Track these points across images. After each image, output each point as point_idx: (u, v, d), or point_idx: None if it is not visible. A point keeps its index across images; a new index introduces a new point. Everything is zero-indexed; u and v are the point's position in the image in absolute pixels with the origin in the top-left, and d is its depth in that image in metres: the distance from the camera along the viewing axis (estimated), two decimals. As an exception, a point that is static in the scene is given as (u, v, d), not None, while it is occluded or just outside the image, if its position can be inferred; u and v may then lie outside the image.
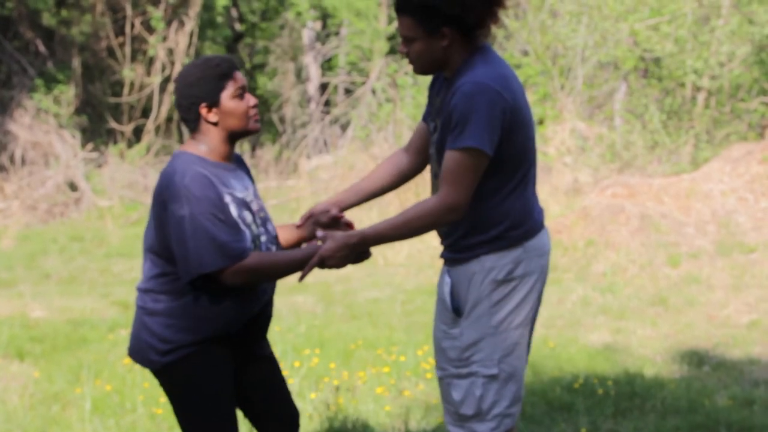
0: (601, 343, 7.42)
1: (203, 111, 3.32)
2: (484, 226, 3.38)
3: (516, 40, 16.60)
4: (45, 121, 16.34)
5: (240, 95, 3.34)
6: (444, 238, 3.52)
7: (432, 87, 3.57)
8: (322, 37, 21.25)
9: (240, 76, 3.36)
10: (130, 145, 17.69)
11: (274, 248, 3.46)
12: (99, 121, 18.21)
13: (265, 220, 3.45)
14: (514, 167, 3.37)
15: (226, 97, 3.31)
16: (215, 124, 3.33)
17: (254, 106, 3.38)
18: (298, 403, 5.61)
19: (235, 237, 3.25)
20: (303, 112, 20.41)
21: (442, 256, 3.53)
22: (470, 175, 3.25)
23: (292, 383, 5.97)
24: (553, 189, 13.21)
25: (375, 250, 10.50)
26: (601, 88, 16.01)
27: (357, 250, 3.34)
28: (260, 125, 3.41)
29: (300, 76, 22.58)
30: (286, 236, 3.63)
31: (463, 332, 3.43)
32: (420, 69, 3.40)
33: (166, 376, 3.39)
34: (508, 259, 3.39)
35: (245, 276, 3.26)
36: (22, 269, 11.05)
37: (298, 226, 3.65)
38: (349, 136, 16.88)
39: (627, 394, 5.90)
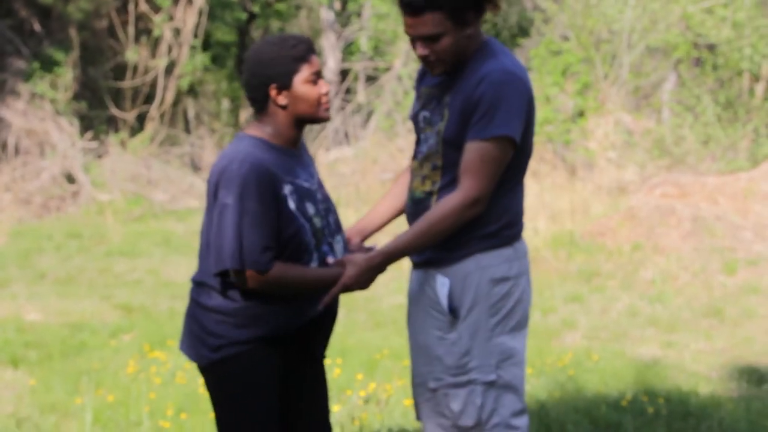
0: (650, 357, 7.39)
1: (273, 93, 3.39)
2: (483, 222, 3.46)
3: (555, 24, 16.55)
4: (40, 107, 16.40)
5: (314, 81, 3.40)
6: None
7: (421, 79, 3.67)
8: (343, 19, 21.26)
9: (316, 61, 3.42)
10: (132, 133, 17.73)
11: (338, 241, 3.53)
12: (99, 107, 18.25)
13: (328, 211, 3.52)
14: (522, 162, 3.52)
15: (299, 80, 3.38)
16: (284, 107, 3.41)
17: (326, 93, 3.44)
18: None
19: (270, 244, 3.31)
20: (321, 100, 20.42)
21: (427, 258, 3.55)
22: (495, 165, 3.37)
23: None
24: (595, 187, 13.18)
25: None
26: (649, 78, 15.96)
27: (381, 270, 3.43)
28: (330, 114, 3.52)
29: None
30: None
31: (461, 336, 3.50)
32: (443, 68, 3.48)
33: (214, 373, 3.47)
34: (502, 258, 3.51)
35: (263, 285, 3.35)
36: (15, 268, 11.08)
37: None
38: (372, 127, 16.88)
39: (680, 413, 5.87)
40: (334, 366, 6.62)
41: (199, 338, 3.46)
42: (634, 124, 15.11)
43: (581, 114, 15.11)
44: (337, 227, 3.56)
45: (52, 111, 16.39)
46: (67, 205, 15.06)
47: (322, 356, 3.68)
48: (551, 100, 14.85)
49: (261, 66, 3.38)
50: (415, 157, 3.63)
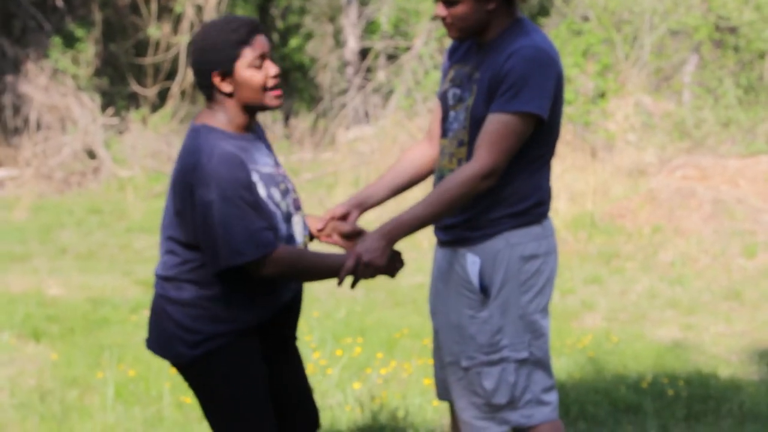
0: (670, 339, 7.36)
1: (216, 80, 3.26)
2: (514, 200, 3.47)
3: (576, 4, 16.44)
4: (62, 82, 16.40)
5: (258, 65, 3.25)
6: (458, 214, 3.52)
7: (450, 56, 3.65)
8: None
9: (261, 42, 3.27)
10: (153, 110, 17.71)
11: (297, 222, 3.41)
12: (120, 83, 18.26)
13: (286, 193, 3.40)
14: (551, 140, 3.52)
15: (242, 66, 3.24)
16: (230, 94, 3.28)
17: (275, 77, 3.30)
18: (338, 394, 5.61)
19: (266, 224, 3.21)
20: (341, 78, 20.36)
21: (455, 236, 3.53)
22: (513, 139, 3.34)
23: (331, 373, 5.96)
24: (614, 169, 13.09)
25: (420, 232, 10.44)
26: (670, 59, 15.85)
27: (394, 239, 3.32)
28: (280, 101, 3.33)
29: (338, 39, 22.53)
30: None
31: (492, 314, 3.50)
32: (458, 33, 3.48)
33: (196, 370, 3.36)
34: (531, 236, 3.51)
35: (278, 269, 3.23)
36: (37, 243, 11.11)
37: (319, 230, 3.63)
38: (392, 106, 16.82)
39: (700, 396, 5.85)
40: (354, 345, 6.62)
41: (174, 336, 3.32)
42: (655, 106, 15.02)
43: (602, 95, 15.01)
44: (296, 207, 3.44)
45: (74, 87, 16.39)
46: (88, 180, 15.09)
47: (294, 337, 3.59)
48: (571, 80, 14.75)
49: (203, 52, 3.25)
50: (444, 135, 3.60)
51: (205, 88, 3.30)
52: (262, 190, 3.26)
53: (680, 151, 13.72)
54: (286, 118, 18.99)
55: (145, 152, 15.52)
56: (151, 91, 17.80)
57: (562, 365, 6.43)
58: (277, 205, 3.30)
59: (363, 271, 3.30)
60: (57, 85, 16.28)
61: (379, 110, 17.14)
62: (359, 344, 6.65)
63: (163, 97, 18.11)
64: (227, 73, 3.24)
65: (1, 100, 16.55)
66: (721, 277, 9.11)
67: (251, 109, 3.31)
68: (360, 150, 15.12)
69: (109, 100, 17.32)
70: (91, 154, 15.47)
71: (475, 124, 3.45)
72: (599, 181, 11.99)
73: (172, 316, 3.33)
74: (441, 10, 3.45)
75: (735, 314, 8.05)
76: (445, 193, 3.34)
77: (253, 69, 3.25)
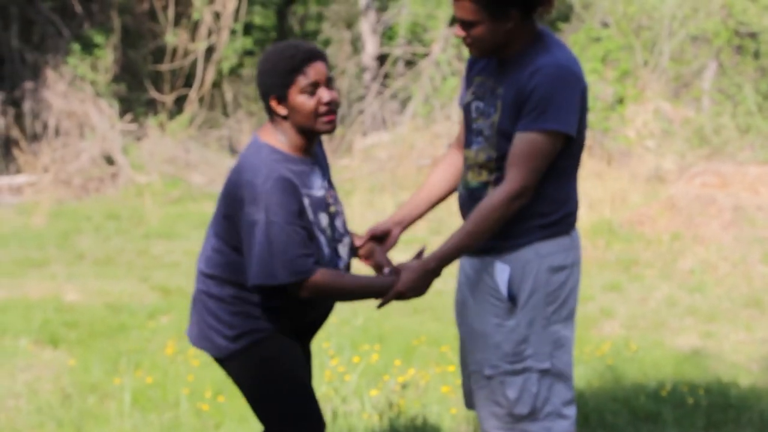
0: (689, 347, 7.32)
1: (273, 103, 3.44)
2: (544, 210, 3.50)
3: (595, 10, 16.41)
4: (81, 88, 16.46)
5: (311, 91, 3.40)
6: None
7: (471, 68, 3.67)
8: (381, 3, 21.18)
9: (316, 69, 3.41)
10: (171, 116, 17.75)
11: (344, 244, 3.56)
12: (138, 89, 18.30)
13: (336, 215, 3.54)
14: (578, 150, 3.55)
15: (294, 92, 3.40)
16: (285, 117, 3.44)
17: (327, 103, 3.43)
18: (356, 401, 5.59)
19: (306, 251, 3.34)
20: (359, 85, 20.37)
21: (485, 245, 3.53)
22: (543, 158, 3.38)
23: (349, 380, 5.95)
24: (633, 176, 13.06)
25: (439, 239, 10.43)
26: (690, 65, 15.79)
27: (437, 274, 3.44)
28: (332, 126, 3.48)
29: (356, 46, 22.55)
30: None
31: (519, 323, 3.51)
32: (480, 52, 3.52)
33: (237, 362, 3.51)
34: (560, 247, 3.53)
35: (313, 293, 3.38)
36: (55, 248, 11.14)
37: (358, 246, 3.73)
38: (409, 113, 16.82)
39: (720, 405, 5.81)
40: (371, 351, 6.60)
41: (214, 329, 3.50)
42: (674, 113, 14.96)
43: (620, 101, 14.97)
44: (344, 230, 3.59)
45: (92, 93, 16.44)
46: (106, 186, 15.12)
47: (310, 343, 3.75)
48: (590, 87, 14.72)
49: (262, 76, 3.45)
50: (468, 146, 3.62)
51: (267, 109, 3.48)
52: (310, 215, 3.41)
53: (699, 157, 13.67)
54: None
55: (162, 158, 15.55)
56: (168, 98, 17.83)
57: (581, 373, 6.40)
58: (323, 231, 3.45)
59: (401, 300, 3.46)
60: (75, 91, 16.33)
61: (396, 117, 17.14)
62: (377, 351, 6.63)
63: (180, 103, 18.15)
64: (282, 98, 3.41)
65: (21, 106, 16.62)
66: (741, 285, 9.06)
67: (306, 132, 3.46)
68: (377, 156, 15.12)
69: (127, 107, 17.37)
70: (110, 160, 15.51)
71: (502, 140, 3.48)
72: (618, 187, 11.95)
73: (213, 310, 3.49)
74: (460, 31, 3.48)
75: (755, 322, 8.00)
76: (482, 219, 3.40)
77: (305, 95, 3.40)
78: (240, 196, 3.35)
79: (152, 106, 18.03)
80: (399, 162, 14.47)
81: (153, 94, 17.89)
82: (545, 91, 3.36)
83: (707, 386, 6.15)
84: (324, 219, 3.46)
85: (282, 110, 3.42)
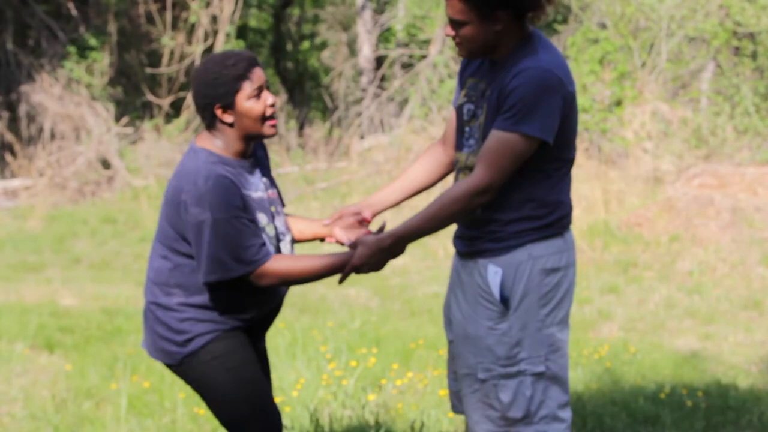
0: (688, 349, 7.31)
1: (218, 112, 3.49)
2: (537, 213, 3.49)
3: (593, 11, 16.41)
4: (76, 92, 16.45)
5: (257, 95, 3.49)
6: (480, 225, 3.55)
7: (465, 69, 3.69)
8: (378, 5, 21.18)
9: (258, 75, 3.50)
10: (167, 120, 17.75)
11: (285, 243, 3.64)
12: (134, 93, 18.30)
13: (274, 216, 3.62)
14: (569, 153, 3.54)
15: (242, 98, 3.47)
16: (230, 125, 3.51)
17: (272, 105, 3.53)
18: (353, 405, 5.58)
19: (257, 241, 3.43)
20: (356, 87, 20.37)
21: (477, 247, 3.56)
22: (512, 159, 3.38)
23: (346, 384, 5.94)
24: (631, 177, 13.05)
25: (435, 242, 10.43)
26: (688, 66, 15.79)
27: (392, 252, 3.48)
28: (276, 129, 3.60)
29: (353, 48, 22.55)
30: (303, 229, 3.80)
31: (512, 326, 3.50)
32: (467, 53, 3.53)
33: (190, 366, 3.57)
34: (553, 249, 3.53)
35: (273, 280, 3.46)
36: (50, 253, 11.14)
37: (326, 225, 3.80)
38: (407, 115, 16.81)
39: (719, 407, 5.80)
40: (369, 355, 6.59)
41: (165, 338, 3.56)
42: (672, 114, 14.96)
43: (618, 103, 14.97)
44: (285, 229, 3.66)
45: (88, 96, 16.44)
46: (102, 190, 15.12)
47: (263, 341, 3.80)
48: (588, 88, 14.71)
49: (204, 86, 3.48)
50: (459, 149, 3.63)
51: (206, 118, 3.53)
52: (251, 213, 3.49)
53: (697, 158, 13.66)
54: (301, 127, 19.00)
55: (158, 162, 15.54)
56: (165, 101, 17.82)
57: (579, 376, 6.40)
58: (263, 230, 3.52)
59: (358, 273, 3.51)
60: (71, 94, 16.33)
61: (393, 119, 17.13)
62: (374, 355, 6.62)
63: (176, 106, 18.14)
64: (228, 106, 3.48)
65: (16, 109, 16.61)
66: (739, 286, 9.06)
67: (249, 137, 3.54)
68: (374, 159, 15.11)
69: (123, 110, 17.36)
70: (105, 164, 15.50)
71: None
72: (616, 189, 11.95)
73: (161, 319, 3.56)
74: (449, 30, 3.50)
75: (754, 323, 8.00)
76: (441, 207, 3.42)
77: (252, 100, 3.49)
78: (183, 199, 3.42)
79: (148, 109, 18.03)
80: (396, 164, 14.46)
81: (149, 97, 17.88)
82: (524, 93, 3.35)
83: (706, 388, 6.15)
84: (263, 218, 3.53)
85: (228, 118, 3.48)
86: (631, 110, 14.77)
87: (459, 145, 3.63)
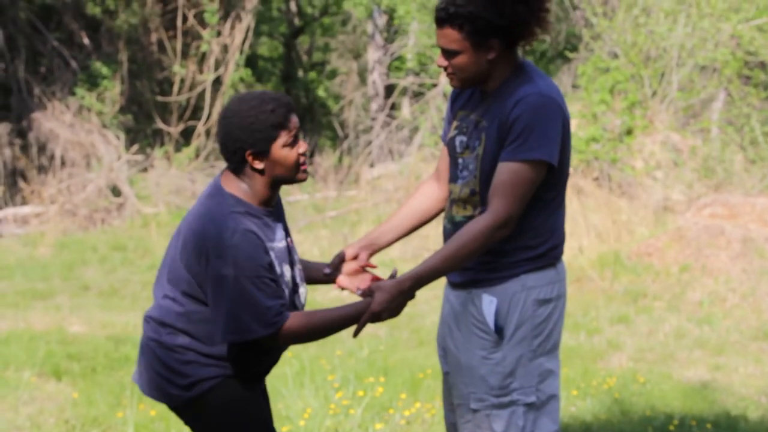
0: (698, 380, 7.28)
1: (249, 158, 3.33)
2: (531, 243, 3.50)
3: (603, 41, 16.44)
4: (87, 119, 16.56)
5: (292, 144, 3.34)
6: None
7: (454, 101, 3.68)
8: (389, 34, 21.26)
9: (294, 122, 3.36)
10: (177, 148, 17.83)
11: (301, 294, 3.50)
12: (145, 121, 18.39)
13: (293, 264, 3.49)
14: (563, 181, 3.55)
15: (277, 146, 3.32)
16: (261, 171, 3.35)
17: (304, 153, 3.40)
18: (360, 436, 5.58)
19: (278, 301, 3.29)
20: (366, 116, 20.43)
21: (470, 278, 3.54)
22: (527, 188, 3.39)
23: (354, 413, 5.93)
24: (640, 207, 13.03)
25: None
26: (699, 96, 15.80)
27: (411, 294, 3.39)
28: (307, 175, 3.44)
29: (363, 76, 22.62)
30: (309, 274, 3.67)
31: (506, 356, 3.51)
32: (460, 83, 3.52)
33: (193, 410, 3.42)
34: (546, 279, 3.53)
35: (289, 339, 3.32)
36: (60, 280, 11.16)
37: (327, 274, 3.68)
38: (417, 143, 16.85)
39: (729, 439, 5.77)
40: (376, 384, 6.58)
41: (165, 378, 3.39)
42: (682, 143, 14.96)
43: (629, 132, 14.97)
44: (300, 280, 3.52)
45: (99, 124, 16.54)
46: (112, 217, 15.17)
47: (264, 386, 3.66)
48: (598, 118, 14.73)
49: (237, 130, 3.30)
50: (454, 180, 3.62)
51: (234, 162, 3.36)
52: (276, 269, 3.34)
53: (708, 188, 13.65)
54: (311, 156, 19.05)
55: (168, 189, 15.60)
56: (175, 129, 17.91)
57: (588, 407, 6.37)
58: (286, 284, 3.39)
59: (377, 321, 3.39)
60: (82, 122, 16.43)
61: (403, 147, 17.17)
62: (382, 384, 6.61)
63: (187, 134, 18.23)
64: (262, 153, 3.32)
65: (27, 137, 16.71)
66: (750, 317, 9.03)
67: (278, 184, 3.40)
68: (384, 187, 15.13)
69: (133, 138, 17.45)
70: (116, 191, 15.56)
71: (486, 174, 3.48)
72: (625, 219, 11.93)
73: (163, 360, 3.39)
74: (441, 60, 3.48)
75: (765, 355, 7.96)
76: (461, 245, 3.38)
77: (287, 148, 3.33)
78: (205, 248, 3.26)
79: (159, 137, 18.11)
80: (406, 193, 14.47)
81: (160, 125, 17.96)
82: (528, 121, 3.36)
83: (716, 420, 6.12)
84: (288, 271, 3.41)
85: (259, 165, 3.33)
86: (641, 140, 14.77)
87: (453, 177, 3.62)
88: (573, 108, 15.21)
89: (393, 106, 19.70)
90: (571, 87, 17.42)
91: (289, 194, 15.83)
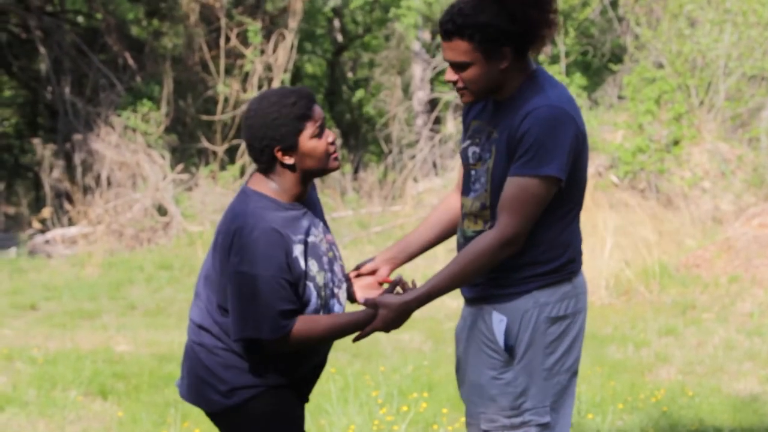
0: (748, 393, 7.18)
1: (278, 154, 3.32)
2: (544, 258, 3.40)
3: (649, 51, 16.36)
4: (133, 139, 16.73)
5: (319, 134, 3.33)
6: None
7: (468, 112, 3.59)
8: (432, 48, 21.29)
9: (318, 112, 3.34)
10: (222, 166, 17.96)
11: (342, 291, 3.48)
12: (190, 140, 18.55)
13: (332, 262, 3.45)
14: (579, 194, 3.45)
15: (305, 138, 3.31)
16: (291, 167, 3.34)
17: (333, 143, 3.38)
18: (404, 452, 5.57)
19: (290, 307, 3.27)
20: (410, 130, 20.45)
21: (481, 293, 3.46)
22: (535, 204, 3.30)
23: (398, 429, 5.92)
24: (689, 218, 12.93)
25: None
26: (747, 105, 15.66)
27: (415, 310, 3.37)
28: (339, 163, 3.44)
29: (407, 91, 22.67)
30: None
31: (517, 376, 3.41)
32: (472, 96, 3.42)
33: (231, 418, 3.40)
34: (559, 295, 3.42)
35: (293, 344, 3.31)
36: (106, 299, 11.26)
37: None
38: (461, 158, 16.81)
39: (780, 452, 5.69)
40: (420, 400, 6.57)
41: (207, 383, 3.38)
42: (731, 153, 14.83)
43: (676, 143, 14.87)
44: (342, 276, 3.49)
45: (144, 144, 16.70)
46: (158, 236, 15.30)
47: (307, 399, 3.61)
48: (645, 128, 14.64)
49: (262, 128, 3.29)
50: (466, 194, 3.53)
51: (264, 162, 3.35)
52: (300, 264, 3.31)
53: (757, 198, 13.51)
54: (355, 171, 19.11)
55: (214, 207, 15.71)
56: (220, 148, 18.05)
57: (635, 420, 6.31)
58: (312, 279, 3.35)
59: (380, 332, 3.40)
60: (128, 142, 16.61)
61: (447, 161, 17.16)
62: (426, 399, 6.59)
63: (231, 153, 18.36)
64: (291, 147, 3.30)
65: (73, 158, 16.92)
66: (801, 328, 8.91)
67: (309, 177, 3.38)
68: (429, 202, 15.13)
69: (178, 157, 17.61)
70: (162, 210, 15.70)
71: (496, 187, 3.39)
72: (673, 230, 11.84)
73: (205, 363, 3.38)
74: (451, 75, 3.40)
75: (817, 366, 7.85)
76: (468, 263, 3.32)
77: (315, 139, 3.31)
78: (226, 244, 3.27)
79: (203, 156, 18.26)
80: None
81: (205, 144, 18.11)
82: (538, 135, 3.26)
83: (766, 433, 6.05)
84: (314, 266, 3.35)
85: (289, 160, 3.31)
86: (689, 150, 14.66)
87: (465, 190, 3.53)
88: (619, 119, 15.14)
89: (437, 121, 19.71)
90: (617, 98, 17.33)
91: (334, 210, 15.87)
